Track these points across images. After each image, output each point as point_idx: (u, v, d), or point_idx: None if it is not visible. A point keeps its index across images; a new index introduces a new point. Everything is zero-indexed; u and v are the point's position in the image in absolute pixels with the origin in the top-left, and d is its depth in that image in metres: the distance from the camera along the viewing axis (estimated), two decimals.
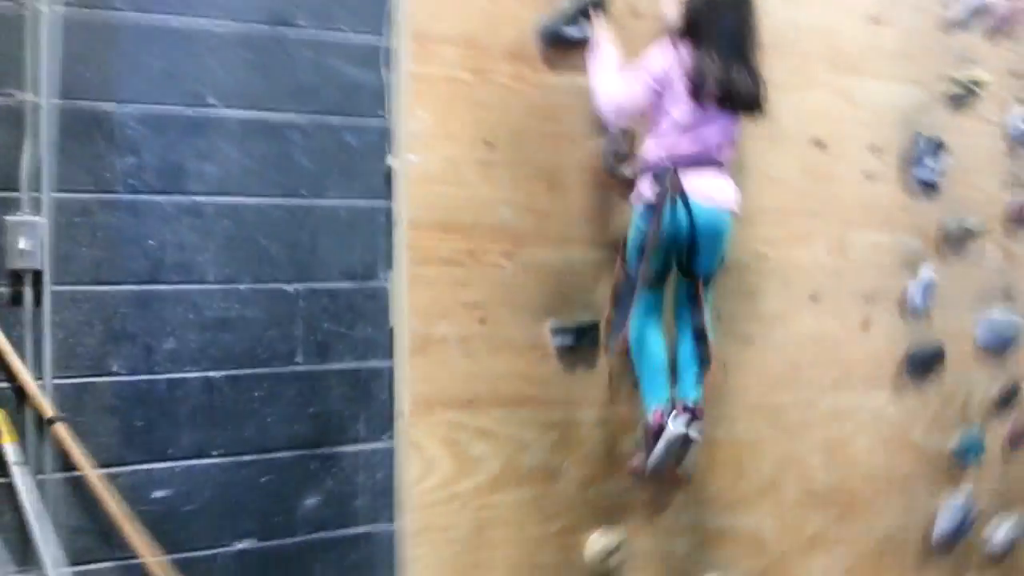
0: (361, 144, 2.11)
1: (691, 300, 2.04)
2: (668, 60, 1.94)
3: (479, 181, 2.05)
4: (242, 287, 2.01)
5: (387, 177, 2.11)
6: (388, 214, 2.12)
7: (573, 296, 2.14)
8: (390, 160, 2.10)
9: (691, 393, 2.04)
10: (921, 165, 2.58)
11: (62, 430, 1.81)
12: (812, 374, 2.50)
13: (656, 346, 2.06)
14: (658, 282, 2.04)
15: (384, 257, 2.12)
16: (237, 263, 2.00)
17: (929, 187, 2.61)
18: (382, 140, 2.11)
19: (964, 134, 2.69)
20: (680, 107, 1.94)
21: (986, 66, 2.72)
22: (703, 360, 2.05)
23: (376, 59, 2.10)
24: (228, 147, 1.99)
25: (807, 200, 2.45)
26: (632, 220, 2.04)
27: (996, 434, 2.86)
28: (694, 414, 2.01)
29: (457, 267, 2.03)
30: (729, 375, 2.35)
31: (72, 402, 1.85)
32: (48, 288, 1.83)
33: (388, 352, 2.12)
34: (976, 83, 2.68)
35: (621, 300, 2.08)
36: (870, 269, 2.56)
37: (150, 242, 1.93)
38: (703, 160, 1.97)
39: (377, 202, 2.12)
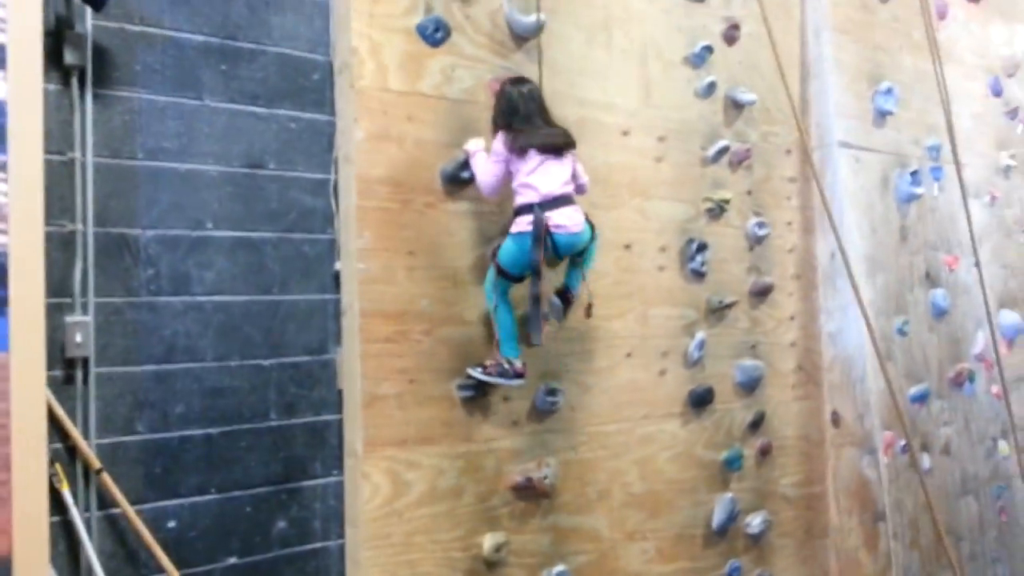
0: (314, 253, 2.83)
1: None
2: (500, 140, 2.79)
3: (406, 280, 2.84)
4: (232, 364, 2.65)
5: (335, 278, 2.85)
6: (336, 305, 2.85)
7: (472, 360, 2.95)
8: (337, 265, 2.85)
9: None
10: (693, 260, 3.63)
11: (105, 478, 2.37)
12: (629, 410, 3.44)
13: (509, 316, 2.86)
14: (518, 280, 2.82)
15: (333, 337, 2.85)
16: (228, 346, 2.65)
17: (699, 275, 3.65)
18: (330, 250, 2.85)
19: (719, 236, 3.76)
20: (521, 167, 2.76)
21: (730, 188, 3.85)
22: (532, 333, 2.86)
23: (326, 190, 2.85)
24: (220, 259, 2.65)
25: (621, 287, 3.42)
26: (507, 242, 2.79)
27: (751, 448, 3.83)
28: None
29: (393, 343, 2.80)
30: (574, 412, 3.26)
31: (110, 456, 2.41)
32: (93, 370, 2.40)
33: (337, 408, 2.83)
34: (724, 201, 3.79)
35: (494, 287, 2.84)
36: (664, 333, 3.55)
37: (165, 332, 2.54)
38: (557, 200, 2.76)
39: (327, 296, 2.84)
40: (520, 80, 2.89)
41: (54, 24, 2.36)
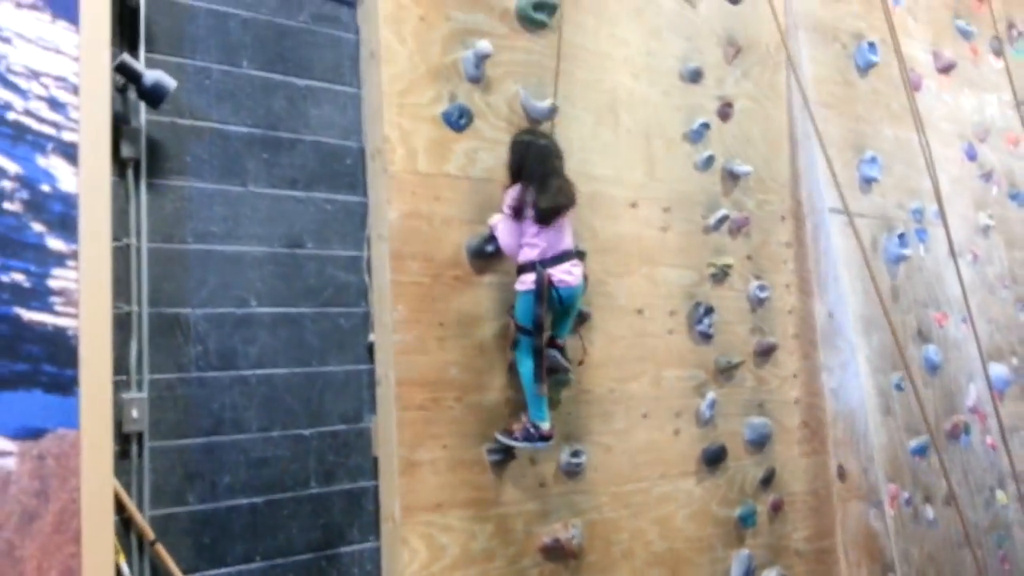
0: (350, 326, 2.98)
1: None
2: (510, 196, 2.96)
3: (437, 350, 2.98)
4: (274, 434, 2.77)
5: (369, 349, 2.99)
6: (369, 375, 2.98)
7: (499, 425, 3.08)
8: (371, 337, 2.99)
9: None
10: (701, 322, 3.82)
11: (159, 549, 2.45)
12: (647, 470, 3.56)
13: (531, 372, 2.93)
14: (539, 336, 2.93)
15: (368, 405, 2.97)
16: (270, 417, 2.77)
17: (707, 337, 3.84)
18: (364, 323, 3.00)
19: (724, 299, 3.96)
20: (529, 229, 2.92)
21: (732, 254, 4.07)
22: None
23: (359, 266, 3.01)
24: (264, 334, 2.79)
25: (635, 350, 3.59)
26: (517, 300, 2.96)
27: (764, 504, 3.94)
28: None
29: (426, 411, 2.93)
30: (597, 473, 3.38)
31: (162, 527, 2.50)
32: (147, 445, 2.51)
33: (373, 475, 2.94)
34: (727, 266, 4.01)
35: (516, 345, 3.01)
36: (676, 394, 3.71)
37: (213, 406, 2.66)
38: (558, 257, 2.94)
39: (362, 366, 2.98)
40: (537, 134, 3.10)
41: (112, 120, 2.53)
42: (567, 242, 3.01)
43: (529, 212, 2.92)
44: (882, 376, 4.22)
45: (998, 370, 4.96)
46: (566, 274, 2.95)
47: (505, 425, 3.06)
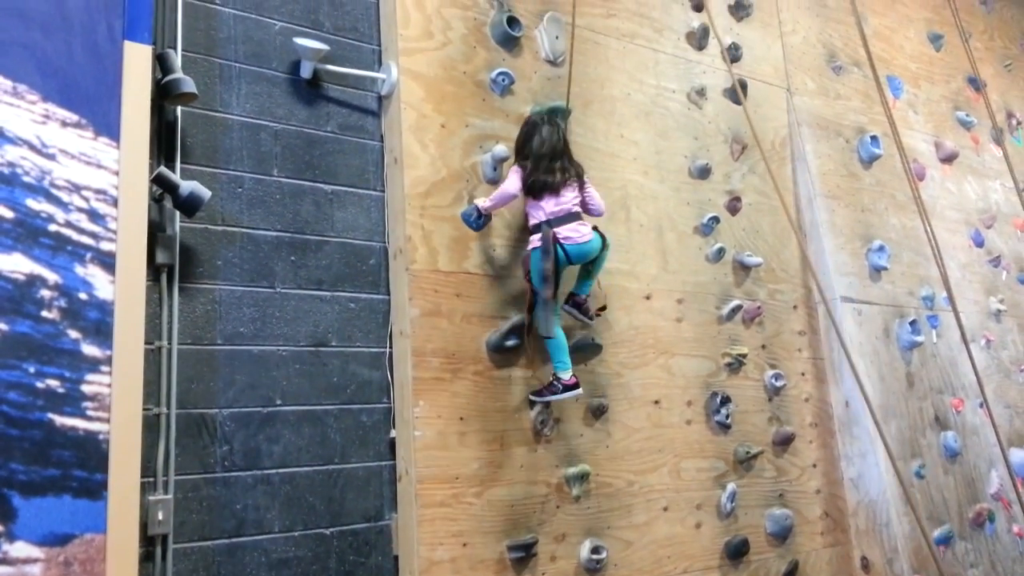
0: (372, 422, 3.01)
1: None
2: (515, 173, 3.11)
3: (458, 445, 3.01)
4: (296, 534, 2.77)
5: (390, 445, 3.02)
6: (391, 471, 3.00)
7: (520, 521, 3.08)
8: (392, 433, 3.03)
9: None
10: (718, 413, 3.84)
11: None
12: (669, 565, 3.52)
13: (560, 333, 3.11)
14: (554, 294, 3.06)
15: (388, 503, 2.98)
16: (293, 516, 2.78)
17: (725, 427, 3.86)
18: (386, 418, 3.04)
19: (740, 389, 4.00)
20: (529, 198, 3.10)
21: (746, 343, 4.12)
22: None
23: (381, 363, 3.07)
24: (288, 432, 2.83)
25: (653, 441, 3.60)
26: (532, 259, 3.07)
27: None
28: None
29: (447, 507, 2.93)
30: (618, 569, 3.35)
31: None
32: (171, 547, 2.52)
33: (393, 574, 2.92)
34: (742, 355, 4.06)
35: (532, 309, 3.14)
36: (696, 486, 3.71)
37: (237, 507, 2.68)
38: (564, 217, 3.07)
39: (383, 463, 3.00)
40: (547, 121, 3.23)
41: (148, 228, 2.64)
42: (574, 205, 3.15)
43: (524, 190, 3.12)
44: (902, 464, 4.19)
45: (1019, 456, 4.92)
46: (572, 231, 3.09)
47: (525, 523, 3.06)
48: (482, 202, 3.13)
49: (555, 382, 3.12)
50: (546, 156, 3.13)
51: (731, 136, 4.25)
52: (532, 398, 3.20)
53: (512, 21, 3.46)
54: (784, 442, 4.06)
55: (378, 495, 2.97)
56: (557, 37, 3.60)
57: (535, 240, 3.10)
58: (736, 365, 3.99)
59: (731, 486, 3.78)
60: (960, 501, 4.50)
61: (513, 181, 3.13)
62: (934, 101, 5.47)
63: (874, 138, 4.76)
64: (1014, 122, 5.99)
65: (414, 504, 2.88)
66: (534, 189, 3.10)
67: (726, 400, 3.87)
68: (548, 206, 3.10)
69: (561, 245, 3.07)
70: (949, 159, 5.33)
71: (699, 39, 4.23)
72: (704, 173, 4.05)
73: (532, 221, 3.15)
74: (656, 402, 3.66)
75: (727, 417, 3.85)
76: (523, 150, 3.20)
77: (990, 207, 5.54)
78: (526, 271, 3.17)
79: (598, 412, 3.41)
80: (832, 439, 4.26)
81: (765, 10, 4.63)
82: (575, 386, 3.12)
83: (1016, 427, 5.05)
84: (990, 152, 5.71)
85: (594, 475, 3.32)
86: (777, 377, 4.09)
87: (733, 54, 4.34)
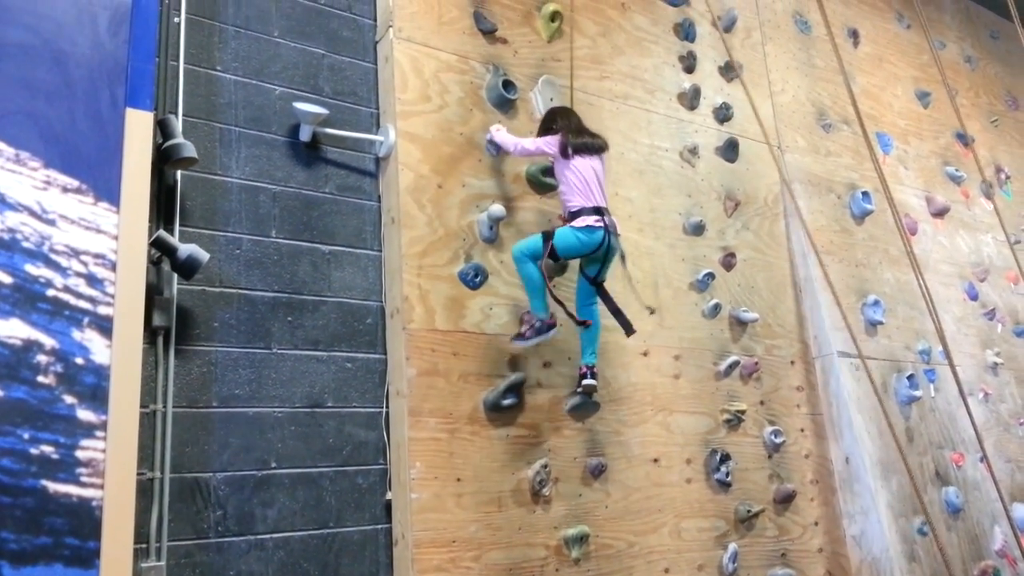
0: (367, 484, 2.98)
1: (599, 293, 3.27)
2: (548, 140, 3.22)
3: (455, 507, 2.98)
4: None
5: (386, 507, 2.98)
6: (386, 534, 2.96)
7: None
8: (389, 495, 2.99)
9: (592, 359, 3.24)
10: (718, 471, 3.81)
11: None
12: None
13: (536, 276, 3.10)
14: (556, 260, 3.21)
15: (384, 567, 2.93)
16: None
17: (725, 485, 3.82)
18: (382, 480, 3.01)
19: (739, 446, 3.97)
20: (568, 172, 3.16)
21: (744, 400, 4.10)
22: (626, 327, 3.30)
23: (378, 423, 3.05)
24: (282, 496, 2.79)
25: (652, 501, 3.56)
26: (567, 232, 3.10)
27: None
28: (592, 371, 3.22)
29: (445, 573, 2.88)
30: None
31: None
32: None
33: None
34: (740, 412, 4.03)
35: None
36: (698, 547, 3.65)
37: (230, 573, 2.63)
38: (599, 209, 3.12)
39: (379, 525, 2.96)
40: (564, 110, 3.39)
41: (145, 291, 2.64)
42: (603, 191, 3.23)
43: (566, 154, 3.19)
44: (904, 521, 4.14)
45: (1022, 511, 4.86)
46: (596, 222, 3.13)
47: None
48: (502, 137, 3.33)
49: (536, 323, 3.15)
50: (575, 128, 3.27)
51: (724, 193, 4.30)
52: (516, 342, 3.19)
53: (508, 84, 3.53)
54: (785, 500, 4.01)
55: (374, 560, 2.92)
56: (552, 99, 3.66)
57: (590, 220, 3.11)
58: (735, 421, 3.97)
59: (733, 546, 3.72)
60: (964, 558, 4.43)
61: (549, 141, 3.23)
62: (924, 156, 5.56)
63: (865, 194, 4.82)
64: (1003, 176, 6.07)
65: (411, 570, 2.83)
66: (577, 148, 3.19)
67: (726, 457, 3.83)
68: (596, 195, 3.17)
69: (610, 234, 3.14)
70: (940, 213, 5.39)
71: (691, 99, 4.31)
72: (698, 230, 4.09)
73: (577, 203, 3.16)
74: (655, 460, 3.62)
75: (727, 475, 3.81)
76: (552, 126, 3.30)
77: (983, 260, 5.58)
78: (548, 233, 3.14)
79: (597, 471, 3.37)
80: (833, 496, 4.21)
81: (755, 71, 4.73)
82: (553, 325, 3.18)
83: (1018, 481, 5.00)
84: (980, 206, 5.78)
85: (594, 536, 3.28)
86: (776, 433, 4.06)
87: (724, 113, 4.42)
